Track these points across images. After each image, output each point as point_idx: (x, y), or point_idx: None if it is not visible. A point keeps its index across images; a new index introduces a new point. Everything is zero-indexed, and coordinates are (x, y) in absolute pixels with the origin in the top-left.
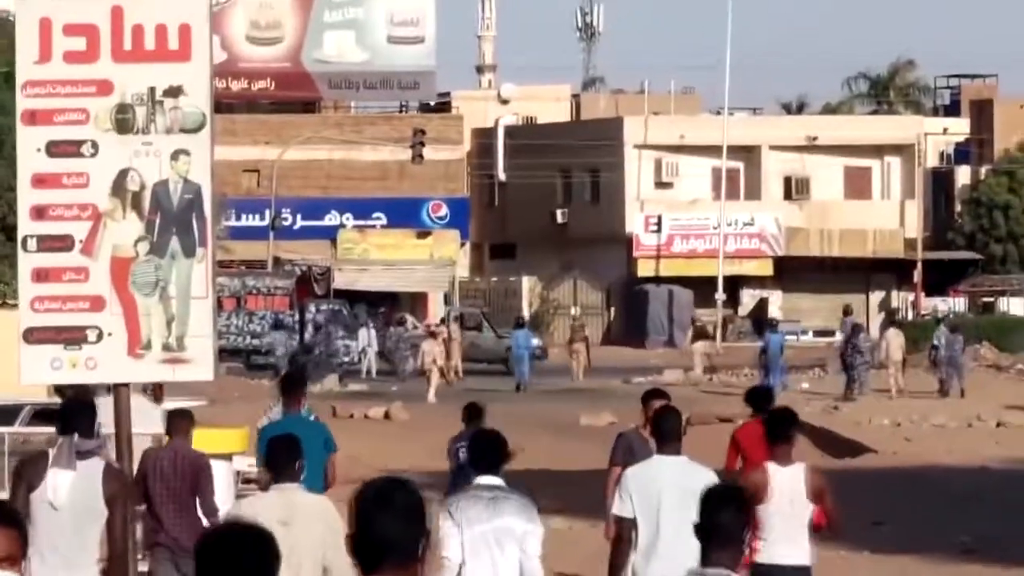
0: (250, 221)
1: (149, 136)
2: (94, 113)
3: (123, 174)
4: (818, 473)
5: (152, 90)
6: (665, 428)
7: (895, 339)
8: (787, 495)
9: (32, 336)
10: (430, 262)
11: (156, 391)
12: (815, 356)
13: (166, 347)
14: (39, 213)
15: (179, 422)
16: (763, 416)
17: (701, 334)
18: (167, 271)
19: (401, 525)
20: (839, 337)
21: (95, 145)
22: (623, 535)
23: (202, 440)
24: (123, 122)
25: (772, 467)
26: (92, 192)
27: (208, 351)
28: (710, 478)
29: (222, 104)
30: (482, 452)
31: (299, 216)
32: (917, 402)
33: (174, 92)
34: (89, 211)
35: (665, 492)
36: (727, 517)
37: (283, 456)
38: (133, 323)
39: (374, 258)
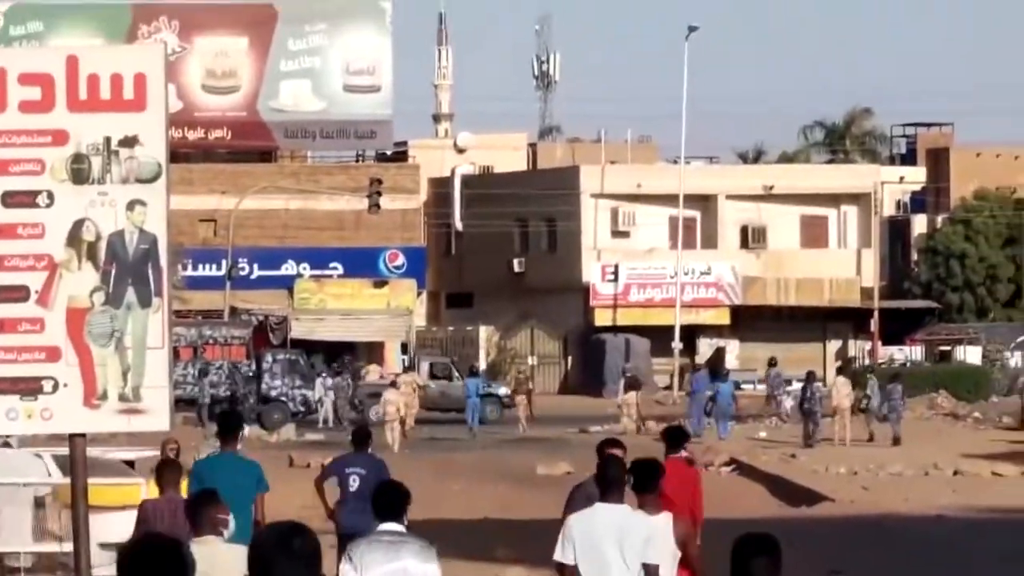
0: (207, 271)
1: (105, 186)
2: (49, 163)
3: (79, 224)
4: (683, 522)
5: (108, 140)
6: (609, 477)
7: (843, 387)
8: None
9: None
10: (387, 311)
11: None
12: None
13: (122, 397)
14: None
15: (169, 474)
16: (679, 454)
17: (632, 385)
18: (123, 321)
19: (300, 570)
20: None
21: (51, 195)
22: None
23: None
24: (79, 172)
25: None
26: (48, 243)
27: (164, 401)
28: (650, 526)
29: (178, 153)
30: (385, 501)
31: (256, 266)
32: (874, 451)
33: (130, 142)
34: (45, 262)
35: (606, 539)
36: (760, 565)
37: (203, 509)
38: (89, 374)
39: (331, 308)
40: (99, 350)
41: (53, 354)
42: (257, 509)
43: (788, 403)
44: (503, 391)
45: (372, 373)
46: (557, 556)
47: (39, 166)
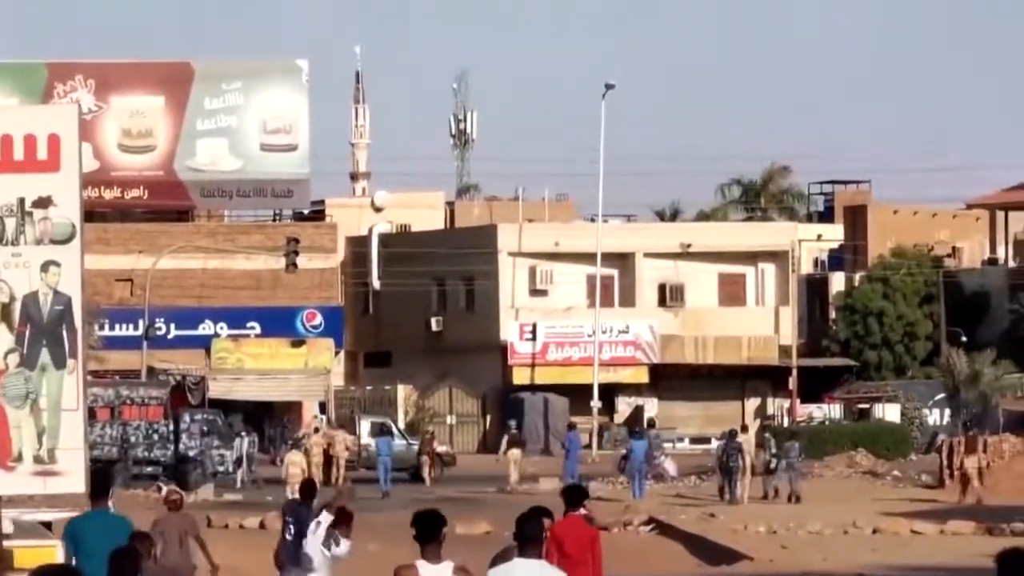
0: (124, 331)
1: (19, 247)
2: None
3: None
4: (464, 571)
5: (22, 201)
6: (526, 532)
7: (745, 446)
8: None
9: None
10: (305, 371)
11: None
12: (691, 463)
13: (37, 459)
14: None
15: (143, 544)
16: (578, 511)
17: (515, 442)
18: (38, 383)
19: None
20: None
21: None
22: None
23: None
24: None
25: (421, 564)
26: None
27: (80, 463)
28: None
29: (95, 213)
30: (427, 527)
31: (173, 325)
32: (793, 509)
33: (44, 203)
34: None
35: None
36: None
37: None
38: (4, 435)
39: (249, 367)
40: (14, 412)
41: None
42: None
43: (669, 466)
44: (442, 448)
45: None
46: None
47: None
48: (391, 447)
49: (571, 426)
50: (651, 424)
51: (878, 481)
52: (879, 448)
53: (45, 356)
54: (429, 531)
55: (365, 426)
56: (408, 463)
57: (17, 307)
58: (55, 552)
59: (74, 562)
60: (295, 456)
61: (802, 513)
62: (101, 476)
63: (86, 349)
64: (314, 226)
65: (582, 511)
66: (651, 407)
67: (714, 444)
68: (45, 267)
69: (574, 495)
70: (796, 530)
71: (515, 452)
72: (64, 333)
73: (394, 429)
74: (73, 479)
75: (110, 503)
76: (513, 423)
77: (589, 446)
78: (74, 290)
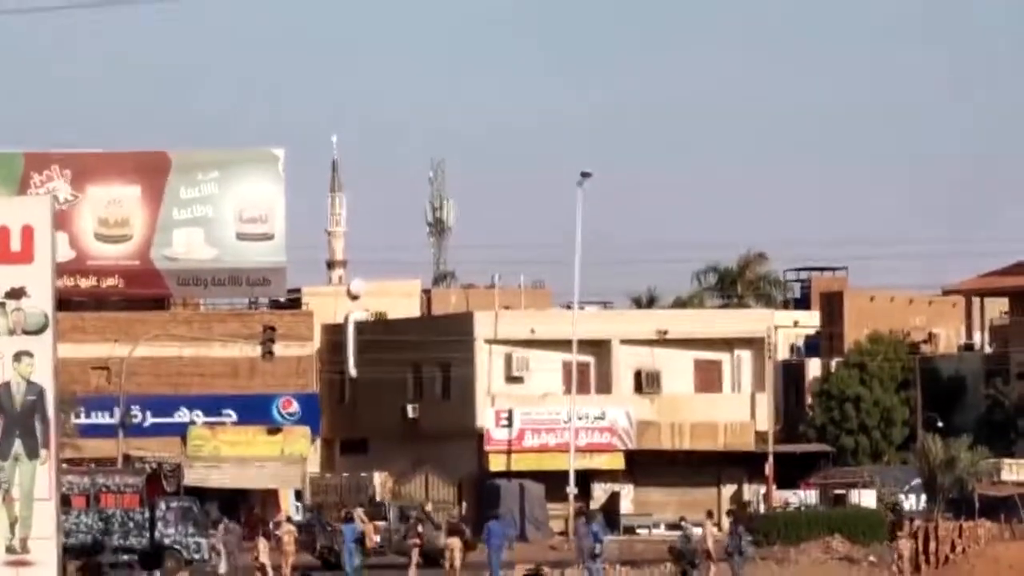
0: (100, 419)
1: None
2: None
3: None
4: None
5: None
6: None
7: (712, 532)
8: None
9: None
10: (281, 458)
11: None
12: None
13: (10, 549)
14: None
15: None
16: None
17: (454, 530)
18: (10, 473)
19: None
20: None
21: None
22: None
23: None
24: None
25: None
26: None
27: (52, 553)
28: None
29: (71, 302)
30: None
31: (149, 413)
32: None
33: (16, 294)
34: None
35: None
36: None
37: None
38: None
39: (225, 455)
40: None
41: None
42: None
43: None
44: None
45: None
46: None
47: None
48: (355, 532)
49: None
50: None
51: (854, 567)
52: (855, 533)
53: (18, 447)
54: None
55: (393, 513)
56: (435, 551)
57: None
58: None
59: None
60: (261, 544)
61: None
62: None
63: (60, 438)
64: (291, 314)
65: None
66: (627, 493)
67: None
68: (18, 357)
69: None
70: None
71: (454, 540)
72: (37, 424)
73: (356, 515)
74: (45, 569)
75: None
76: (455, 512)
77: (564, 532)
78: (47, 380)
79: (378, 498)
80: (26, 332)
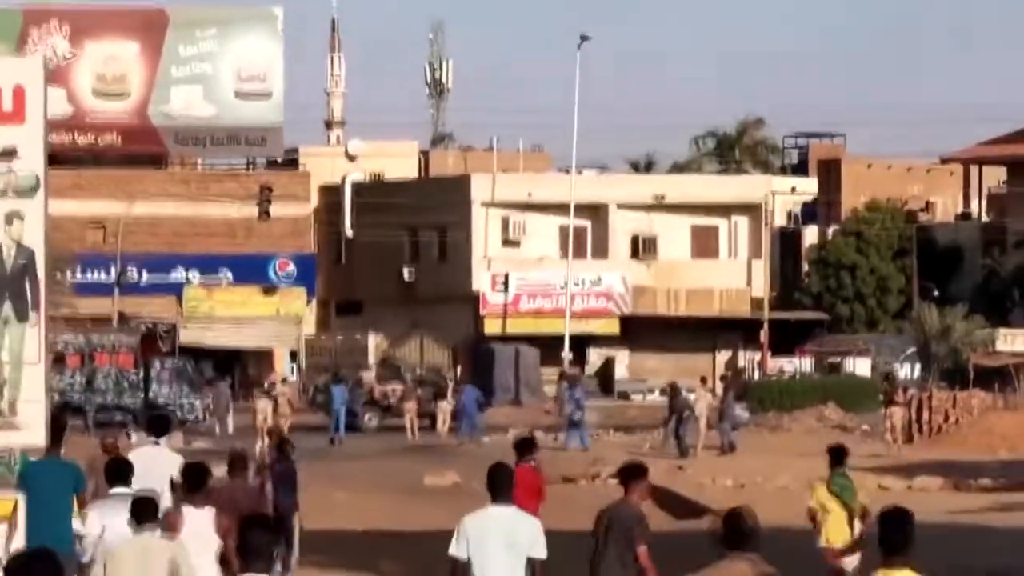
0: (96, 277)
1: None
2: None
3: None
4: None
5: None
6: (497, 481)
7: (702, 398)
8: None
9: None
10: (276, 319)
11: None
12: (659, 416)
13: None
14: None
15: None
16: (527, 462)
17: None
18: None
19: None
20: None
21: None
22: (456, 573)
23: None
24: None
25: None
26: None
27: (40, 416)
28: (533, 525)
29: (68, 158)
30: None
31: (145, 272)
32: (762, 462)
33: (8, 155)
34: None
35: (495, 537)
36: (902, 530)
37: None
38: None
39: (220, 315)
40: None
41: None
42: (78, 509)
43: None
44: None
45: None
46: (452, 551)
47: None
48: (345, 395)
49: (572, 380)
50: (572, 380)
51: (847, 435)
52: (849, 402)
53: (7, 309)
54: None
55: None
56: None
57: None
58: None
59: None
60: (262, 403)
61: (770, 467)
62: (54, 423)
63: (55, 298)
64: (288, 174)
65: (532, 462)
66: (622, 358)
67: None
68: (8, 219)
69: (523, 446)
70: (764, 484)
71: (412, 404)
72: (27, 286)
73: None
74: (34, 432)
75: (61, 451)
76: (449, 375)
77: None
78: (38, 243)
79: (371, 360)
80: (17, 194)
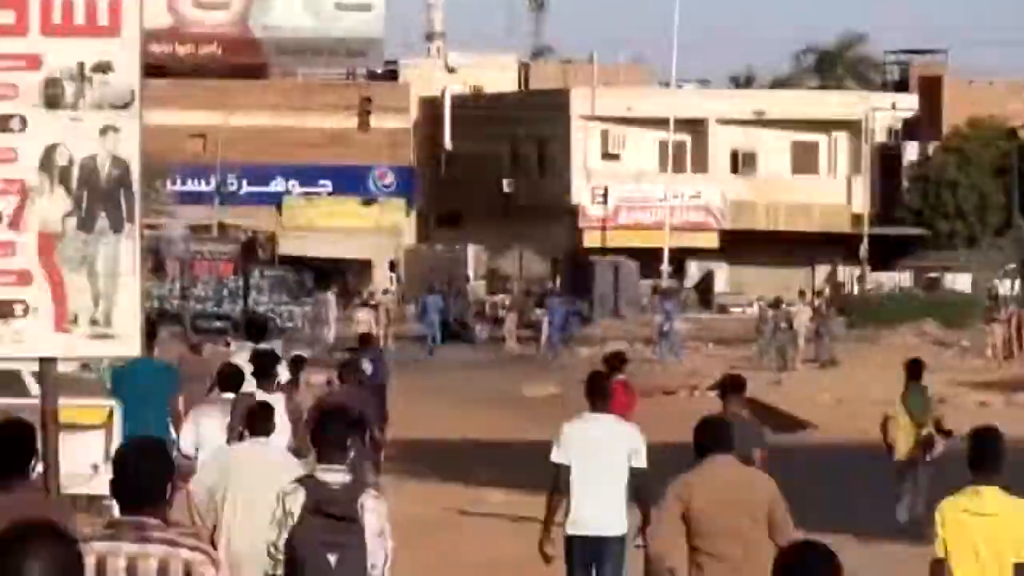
0: (195, 186)
1: (78, 112)
2: (23, 88)
3: (51, 149)
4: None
5: (81, 65)
6: (598, 389)
7: (802, 313)
8: None
9: None
10: (376, 230)
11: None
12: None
13: (93, 322)
14: None
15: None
16: (619, 379)
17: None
18: (95, 247)
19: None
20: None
21: (23, 120)
22: (560, 479)
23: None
24: (52, 97)
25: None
26: (20, 167)
27: (135, 327)
28: (634, 434)
29: (169, 69)
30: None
31: (245, 182)
32: (859, 376)
33: (103, 67)
34: (17, 186)
35: (595, 444)
36: (990, 449)
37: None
38: (60, 298)
39: (320, 225)
40: (71, 275)
41: (24, 278)
42: (172, 408)
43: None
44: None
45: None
46: (553, 457)
47: (12, 91)
48: (440, 305)
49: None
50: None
51: (946, 351)
52: (948, 318)
53: (103, 220)
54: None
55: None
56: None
57: (75, 171)
58: (107, 411)
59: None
60: (363, 314)
61: (867, 382)
62: (151, 326)
63: (153, 206)
64: (387, 86)
65: (621, 376)
66: (721, 272)
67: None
68: (104, 131)
69: (614, 361)
70: (863, 399)
71: (512, 316)
72: (122, 198)
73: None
74: (128, 343)
75: (154, 353)
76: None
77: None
78: (133, 155)
79: (470, 271)
80: (112, 107)
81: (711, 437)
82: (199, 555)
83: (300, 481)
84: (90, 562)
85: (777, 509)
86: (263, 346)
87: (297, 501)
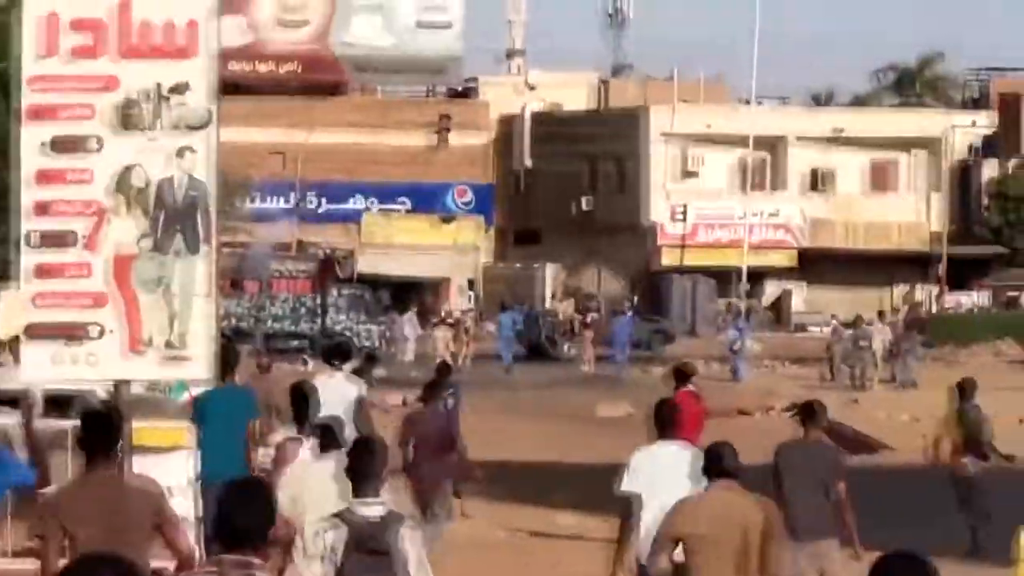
0: (275, 204)
1: (155, 132)
2: (99, 109)
3: (128, 170)
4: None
5: (158, 86)
6: (663, 416)
7: (879, 333)
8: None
9: (33, 332)
10: (454, 248)
11: None
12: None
13: (168, 344)
14: (42, 209)
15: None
16: (688, 390)
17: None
18: (170, 268)
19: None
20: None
21: (99, 141)
22: (630, 509)
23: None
24: (129, 118)
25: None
26: (96, 188)
27: (209, 348)
28: (698, 459)
29: (250, 87)
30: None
31: (323, 200)
32: (937, 397)
33: (180, 88)
34: (93, 207)
35: (663, 472)
36: None
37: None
38: (135, 320)
39: (398, 243)
40: (145, 296)
41: (99, 300)
42: (249, 432)
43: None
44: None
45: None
46: (625, 486)
47: (89, 111)
48: (515, 322)
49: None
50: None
51: None
52: None
53: (179, 241)
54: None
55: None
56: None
57: (152, 192)
58: (184, 433)
59: (198, 436)
60: (441, 332)
61: (943, 403)
62: (227, 351)
63: (218, 237)
64: (466, 103)
65: (690, 387)
66: (799, 291)
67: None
68: (180, 152)
69: (681, 373)
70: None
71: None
72: (198, 218)
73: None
74: (201, 364)
75: (235, 377)
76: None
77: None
78: (209, 176)
79: (548, 291)
80: (188, 127)
81: (710, 461)
82: None
83: (339, 516)
84: None
85: (770, 541)
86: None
87: (340, 538)
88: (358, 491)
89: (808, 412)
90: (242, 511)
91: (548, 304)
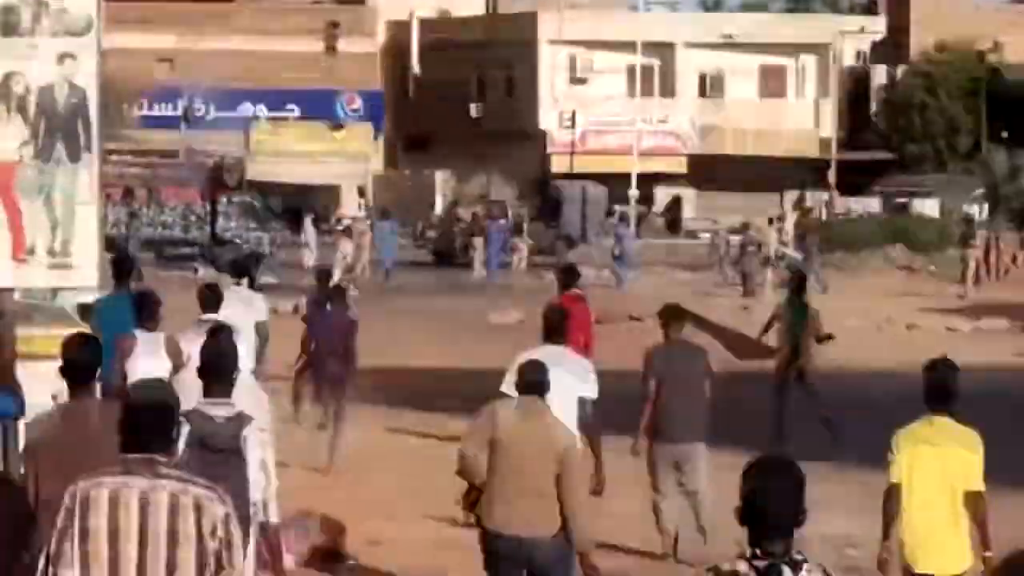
0: (163, 111)
1: (35, 39)
2: None
3: (8, 77)
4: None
5: None
6: (550, 322)
7: (761, 237)
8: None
9: None
10: (344, 155)
11: None
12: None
13: (51, 252)
14: None
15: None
16: (572, 293)
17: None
18: (52, 176)
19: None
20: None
21: None
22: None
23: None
24: (9, 24)
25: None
26: None
27: (93, 256)
28: (582, 364)
29: None
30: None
31: (212, 106)
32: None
33: None
34: None
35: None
36: (943, 381)
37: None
38: (17, 228)
39: (288, 150)
40: (28, 204)
41: None
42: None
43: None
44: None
45: None
46: (504, 388)
47: None
48: (394, 229)
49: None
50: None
51: (915, 276)
52: (917, 243)
53: (60, 150)
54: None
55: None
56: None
57: (32, 99)
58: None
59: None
60: (344, 243)
61: (836, 308)
62: (123, 261)
63: (101, 143)
64: (355, 9)
65: (575, 291)
66: (690, 198)
67: (733, 238)
68: (61, 59)
69: (568, 274)
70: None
71: (479, 241)
72: (79, 127)
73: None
74: (86, 272)
75: (130, 287)
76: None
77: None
78: (90, 83)
79: (439, 198)
80: (69, 34)
81: (521, 377)
82: (209, 492)
83: (185, 415)
84: (103, 496)
85: (569, 473)
86: (144, 287)
87: (180, 435)
88: (209, 391)
89: (667, 315)
90: (148, 413)
91: (439, 211)
